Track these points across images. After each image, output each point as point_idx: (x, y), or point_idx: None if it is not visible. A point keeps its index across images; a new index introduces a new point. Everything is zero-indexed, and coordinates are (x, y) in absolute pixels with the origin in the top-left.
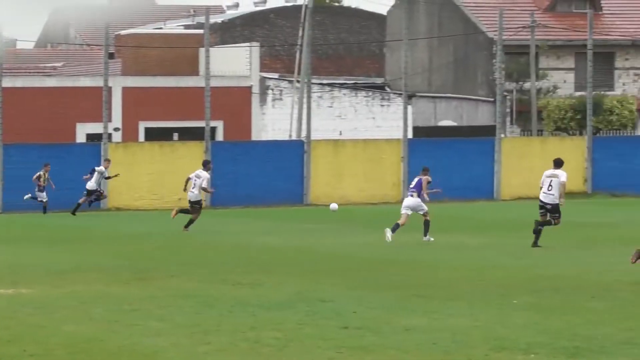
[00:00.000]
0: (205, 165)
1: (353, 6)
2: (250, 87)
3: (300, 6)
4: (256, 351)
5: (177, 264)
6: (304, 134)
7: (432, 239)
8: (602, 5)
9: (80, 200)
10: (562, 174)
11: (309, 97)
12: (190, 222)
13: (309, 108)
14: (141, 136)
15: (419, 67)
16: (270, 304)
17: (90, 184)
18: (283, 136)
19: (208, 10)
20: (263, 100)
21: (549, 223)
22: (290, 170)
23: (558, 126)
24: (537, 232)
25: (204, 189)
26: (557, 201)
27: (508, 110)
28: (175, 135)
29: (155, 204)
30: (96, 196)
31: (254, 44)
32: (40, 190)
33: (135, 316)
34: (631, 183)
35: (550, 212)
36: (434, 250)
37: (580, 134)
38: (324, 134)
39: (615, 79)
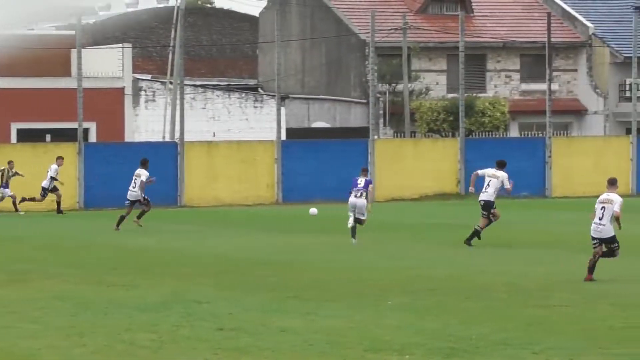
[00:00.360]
0: (144, 164)
1: (225, 8)
2: (122, 89)
3: (172, 7)
4: (132, 353)
5: (52, 265)
6: (177, 135)
7: (355, 242)
8: (473, 7)
9: (37, 198)
10: (502, 175)
11: (182, 99)
12: (142, 213)
13: (182, 109)
14: (13, 137)
15: (292, 69)
16: (145, 305)
17: (45, 182)
18: (156, 138)
19: (80, 11)
20: (136, 102)
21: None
22: (164, 172)
23: (431, 128)
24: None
25: (146, 183)
26: (491, 199)
27: (381, 112)
28: (48, 137)
29: (28, 205)
30: (50, 192)
31: (126, 45)
32: (3, 187)
33: (11, 318)
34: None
35: (483, 208)
36: (309, 251)
37: (453, 135)
38: (198, 135)
39: (487, 81)
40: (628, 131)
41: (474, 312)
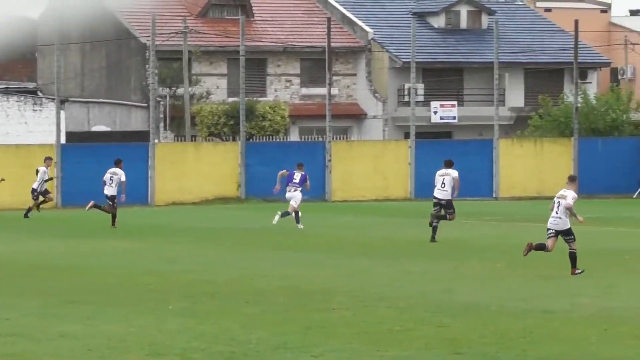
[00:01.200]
0: (117, 164)
1: None
2: None
3: None
4: None
5: None
6: None
7: (302, 226)
8: (254, 12)
9: (31, 204)
10: (453, 172)
11: None
12: (113, 217)
13: None
14: None
15: (71, 72)
16: None
17: (35, 184)
18: None
19: None
20: None
21: (443, 217)
22: None
23: (211, 132)
24: (434, 228)
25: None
26: (450, 197)
27: (161, 115)
28: None
29: None
30: (40, 195)
31: None
32: None
33: None
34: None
35: (445, 208)
36: (89, 255)
37: (234, 139)
38: None
39: (267, 85)
40: (406, 135)
41: (254, 316)
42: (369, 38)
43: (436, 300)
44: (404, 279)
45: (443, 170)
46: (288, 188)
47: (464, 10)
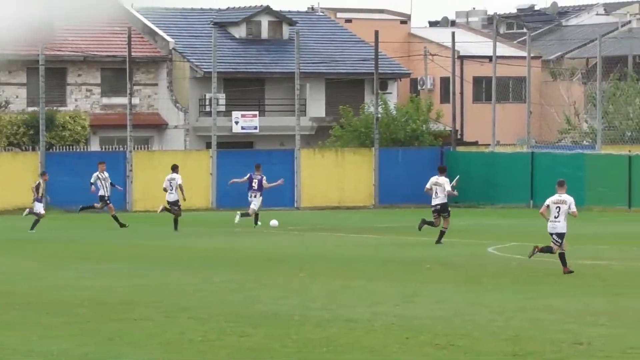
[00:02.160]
0: (175, 169)
1: None
2: None
3: None
4: None
5: None
6: None
7: (260, 223)
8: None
9: (98, 205)
10: (445, 181)
11: None
12: (175, 222)
13: None
14: None
15: None
16: None
17: (101, 192)
18: None
19: None
20: None
21: (431, 224)
22: None
23: (11, 141)
24: (440, 233)
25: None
26: (445, 200)
27: None
28: None
29: None
30: (105, 201)
31: None
32: (38, 201)
33: None
34: (82, 199)
35: (441, 212)
36: None
37: (34, 149)
38: None
39: (67, 95)
40: (208, 145)
41: (55, 327)
42: (170, 48)
43: (238, 310)
44: (205, 289)
45: (435, 179)
46: (250, 194)
47: (264, 21)
